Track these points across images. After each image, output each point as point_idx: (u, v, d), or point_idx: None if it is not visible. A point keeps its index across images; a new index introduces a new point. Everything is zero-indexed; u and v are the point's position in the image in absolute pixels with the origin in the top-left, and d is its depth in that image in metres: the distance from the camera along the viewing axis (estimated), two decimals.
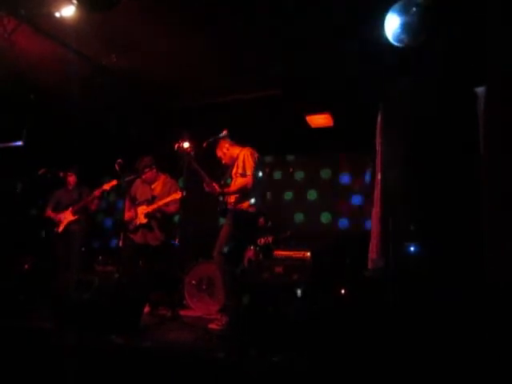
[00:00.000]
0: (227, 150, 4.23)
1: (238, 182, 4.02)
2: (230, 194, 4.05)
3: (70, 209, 5.60)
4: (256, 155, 4.11)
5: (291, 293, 4.32)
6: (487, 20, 3.47)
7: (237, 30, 4.48)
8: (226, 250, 3.81)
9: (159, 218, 4.76)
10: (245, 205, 3.98)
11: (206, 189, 4.11)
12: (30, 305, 4.33)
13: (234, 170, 4.12)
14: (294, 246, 5.82)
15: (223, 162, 4.29)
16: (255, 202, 4.03)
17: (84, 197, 5.65)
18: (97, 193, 5.42)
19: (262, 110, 5.94)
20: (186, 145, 4.04)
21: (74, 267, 5.36)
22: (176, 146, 4.04)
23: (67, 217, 5.61)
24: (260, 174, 4.12)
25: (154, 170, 4.86)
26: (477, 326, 2.59)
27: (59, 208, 5.70)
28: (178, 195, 4.58)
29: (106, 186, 5.30)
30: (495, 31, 3.33)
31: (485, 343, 2.49)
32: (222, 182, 4.22)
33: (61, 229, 5.59)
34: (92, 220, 5.96)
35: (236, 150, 4.20)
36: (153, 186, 4.91)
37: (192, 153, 4.08)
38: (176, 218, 5.51)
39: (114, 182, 5.20)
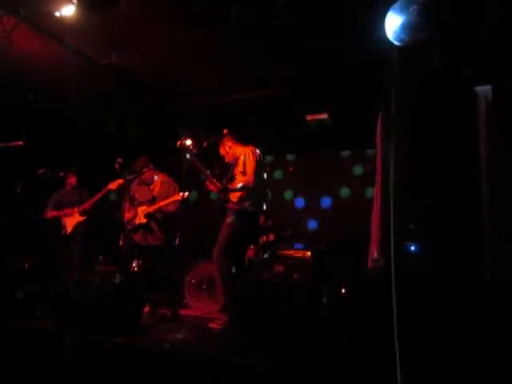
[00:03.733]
0: (229, 149, 4.23)
1: (238, 180, 4.01)
2: (231, 191, 4.04)
3: (76, 209, 5.58)
4: (258, 154, 4.11)
5: (292, 292, 4.32)
6: (488, 18, 3.47)
7: (237, 29, 4.47)
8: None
9: (159, 218, 4.76)
10: (245, 204, 3.98)
11: (208, 186, 4.11)
12: (29, 305, 4.33)
13: (236, 169, 4.11)
14: (294, 245, 5.82)
15: (226, 160, 4.29)
16: (256, 201, 4.03)
17: (85, 197, 5.65)
18: (103, 192, 5.41)
19: (262, 110, 5.93)
20: (189, 142, 4.03)
21: (75, 267, 5.36)
22: (178, 143, 4.03)
23: (75, 218, 5.59)
24: (262, 172, 4.11)
25: (152, 169, 4.86)
26: (477, 326, 2.59)
27: (60, 209, 5.69)
28: (178, 197, 4.58)
29: (112, 186, 5.28)
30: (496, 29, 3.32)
31: (485, 343, 2.49)
32: (224, 181, 4.22)
33: (69, 230, 5.57)
34: (94, 220, 5.95)
35: (238, 149, 4.19)
36: (151, 187, 4.92)
37: (194, 150, 4.06)
38: (176, 218, 5.52)
39: (121, 181, 5.14)
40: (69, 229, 5.58)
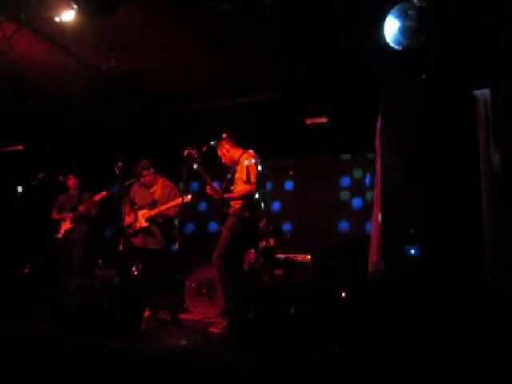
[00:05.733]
0: (227, 152, 4.23)
1: (241, 189, 4.01)
2: (234, 199, 4.05)
3: (68, 216, 5.66)
4: (259, 160, 4.11)
5: (292, 296, 4.31)
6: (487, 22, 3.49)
7: (236, 34, 4.49)
8: None
9: (160, 222, 4.76)
10: (246, 209, 3.97)
11: (209, 193, 4.11)
12: (29, 309, 4.33)
13: (236, 175, 4.10)
14: (294, 249, 5.82)
15: (223, 161, 4.30)
16: (256, 206, 4.03)
17: (84, 201, 5.69)
18: (87, 204, 5.58)
19: (261, 113, 5.94)
20: (195, 151, 4.06)
21: (75, 272, 5.37)
22: (186, 152, 4.04)
23: (66, 224, 5.68)
24: (262, 178, 4.11)
25: (152, 172, 4.87)
26: (478, 329, 2.58)
27: (62, 212, 5.76)
28: (179, 201, 4.58)
29: (97, 197, 5.42)
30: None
31: (486, 346, 2.49)
32: (224, 186, 4.22)
33: (60, 235, 5.67)
34: (93, 225, 5.98)
35: (237, 153, 4.19)
36: (152, 190, 4.92)
37: (199, 159, 4.08)
38: (176, 222, 5.52)
39: (104, 193, 5.36)
40: (60, 234, 5.67)
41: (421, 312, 2.82)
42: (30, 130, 5.64)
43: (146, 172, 4.82)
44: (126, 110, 6.21)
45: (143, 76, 5.48)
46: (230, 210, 4.03)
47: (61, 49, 4.81)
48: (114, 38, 4.62)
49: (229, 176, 4.24)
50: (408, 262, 3.81)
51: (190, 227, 7.83)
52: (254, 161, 4.02)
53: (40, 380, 2.93)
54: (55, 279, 5.26)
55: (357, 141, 5.81)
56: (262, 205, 4.13)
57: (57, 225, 5.74)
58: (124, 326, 3.39)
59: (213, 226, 7.56)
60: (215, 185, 4.10)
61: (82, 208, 5.61)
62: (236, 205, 4.01)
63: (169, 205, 4.67)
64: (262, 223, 4.72)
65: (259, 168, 4.05)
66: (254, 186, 3.95)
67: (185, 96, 5.98)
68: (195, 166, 4.04)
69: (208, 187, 4.08)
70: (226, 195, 4.07)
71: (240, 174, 4.03)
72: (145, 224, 4.74)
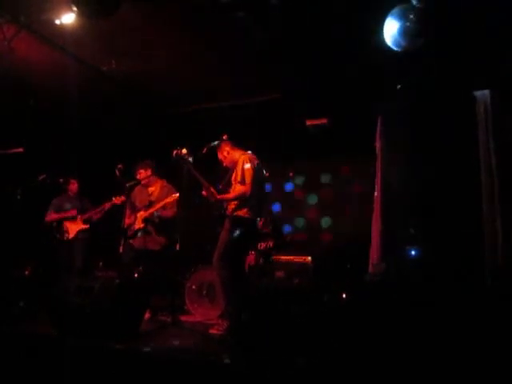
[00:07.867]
0: (227, 154, 4.23)
1: (236, 190, 4.01)
2: (228, 200, 4.05)
3: (79, 217, 5.65)
4: (256, 161, 4.10)
5: (292, 297, 4.30)
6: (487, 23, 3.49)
7: (236, 35, 4.49)
8: None
9: (157, 223, 4.77)
10: (243, 211, 3.97)
11: (205, 195, 4.11)
12: (29, 310, 4.32)
13: (233, 176, 4.11)
14: (294, 250, 5.81)
15: (224, 164, 4.30)
16: (254, 207, 4.02)
17: (86, 206, 5.70)
18: (107, 205, 5.54)
19: (261, 115, 5.94)
20: (184, 151, 4.04)
21: (76, 273, 5.37)
22: (174, 152, 4.04)
23: (78, 225, 5.67)
24: (259, 178, 4.11)
25: (150, 174, 4.87)
26: (477, 330, 2.58)
27: (60, 214, 5.73)
28: (175, 197, 4.59)
29: (117, 201, 5.37)
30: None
31: (485, 347, 2.48)
32: (221, 187, 4.22)
33: (71, 236, 5.64)
34: (93, 227, 5.99)
35: (237, 154, 4.19)
36: (150, 192, 4.93)
37: (190, 159, 4.07)
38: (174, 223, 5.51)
39: (124, 199, 5.22)
40: (71, 234, 5.63)
41: (421, 313, 2.81)
42: (30, 131, 5.65)
43: (141, 171, 4.84)
44: (126, 110, 6.21)
45: (143, 77, 5.48)
46: (228, 212, 4.04)
47: (61, 50, 4.81)
48: (114, 39, 4.62)
49: (227, 178, 4.24)
50: (408, 262, 3.81)
51: (190, 228, 7.81)
52: (249, 164, 4.00)
53: (40, 380, 2.92)
54: (55, 280, 5.25)
55: (357, 142, 5.80)
56: (259, 205, 4.12)
57: (59, 226, 5.68)
58: (124, 328, 3.39)
59: (213, 228, 7.53)
60: (210, 186, 4.10)
61: (95, 216, 5.65)
62: (231, 206, 4.02)
63: (163, 202, 4.68)
64: (260, 225, 4.72)
65: (257, 170, 4.04)
66: (248, 188, 3.93)
67: (185, 96, 5.98)
68: (186, 166, 4.03)
69: (203, 189, 4.08)
70: (220, 196, 4.07)
71: (236, 177, 4.04)
72: (141, 225, 4.76)
